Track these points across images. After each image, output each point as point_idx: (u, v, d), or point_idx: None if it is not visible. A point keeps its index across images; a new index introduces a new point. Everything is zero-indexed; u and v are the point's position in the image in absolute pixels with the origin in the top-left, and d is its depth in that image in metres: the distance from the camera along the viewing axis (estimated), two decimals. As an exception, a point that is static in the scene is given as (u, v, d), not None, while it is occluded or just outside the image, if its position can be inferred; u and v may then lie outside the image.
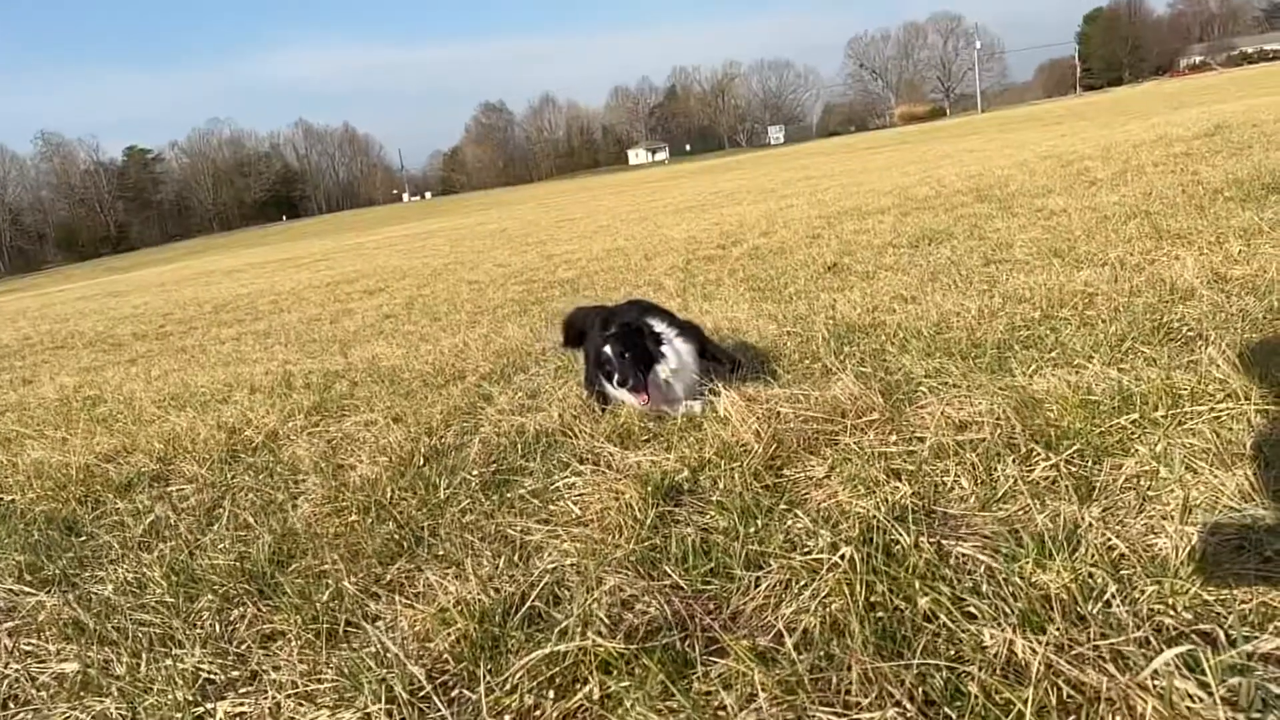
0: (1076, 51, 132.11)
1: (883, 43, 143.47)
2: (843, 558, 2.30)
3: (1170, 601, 1.98)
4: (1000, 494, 2.76)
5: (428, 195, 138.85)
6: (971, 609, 2.08)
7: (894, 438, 3.33)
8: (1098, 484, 2.68)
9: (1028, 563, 2.22)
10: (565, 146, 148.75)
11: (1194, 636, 1.83)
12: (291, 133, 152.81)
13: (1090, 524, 2.38)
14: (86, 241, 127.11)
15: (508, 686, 2.12)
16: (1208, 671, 1.66)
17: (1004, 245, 7.76)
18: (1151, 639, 1.84)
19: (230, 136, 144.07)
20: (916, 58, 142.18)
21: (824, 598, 2.23)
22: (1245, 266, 5.14)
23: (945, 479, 2.92)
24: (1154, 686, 1.67)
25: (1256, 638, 1.80)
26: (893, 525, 2.48)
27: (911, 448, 3.20)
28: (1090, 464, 2.83)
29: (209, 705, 2.36)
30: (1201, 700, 1.63)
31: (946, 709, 1.78)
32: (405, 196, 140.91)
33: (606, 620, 2.23)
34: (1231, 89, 39.49)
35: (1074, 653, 1.82)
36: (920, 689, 1.84)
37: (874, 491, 2.88)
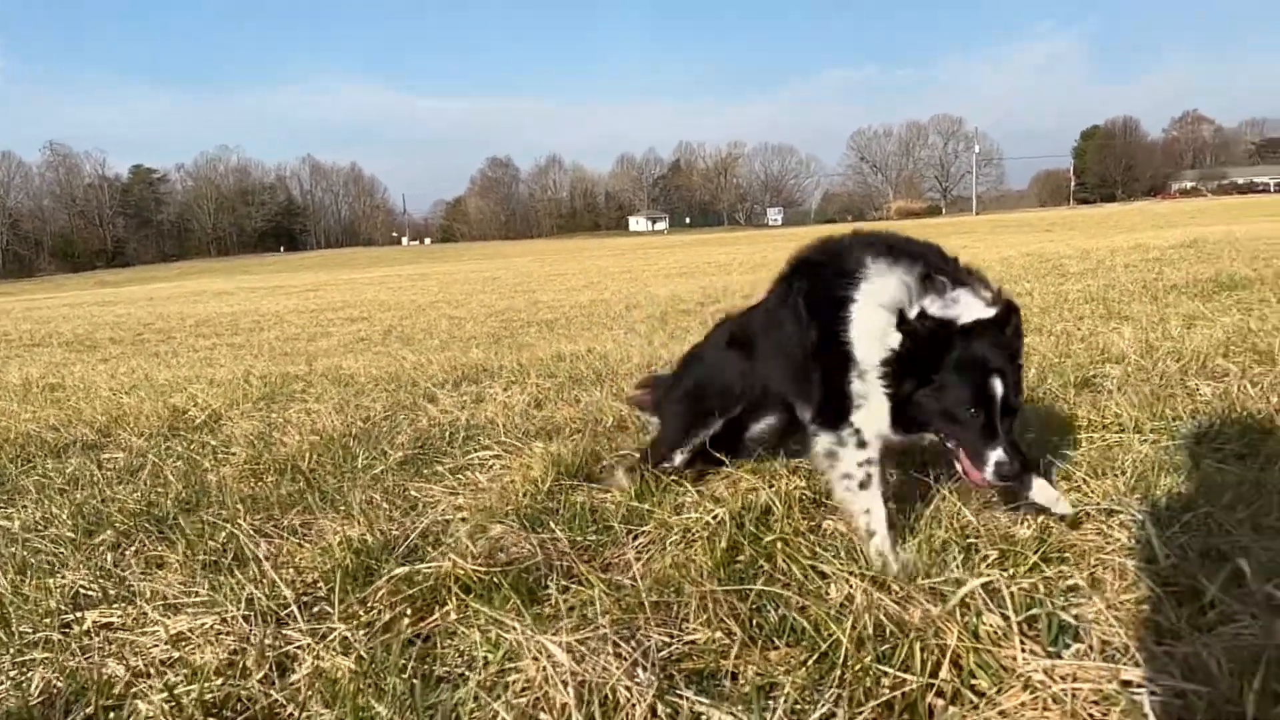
0: (1072, 165, 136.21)
1: (885, 138, 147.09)
2: (714, 518, 2.37)
3: (1011, 571, 2.05)
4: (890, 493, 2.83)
5: (427, 241, 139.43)
6: (825, 569, 2.13)
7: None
8: (975, 492, 2.76)
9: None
10: (568, 207, 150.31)
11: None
12: (298, 166, 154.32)
13: (952, 507, 2.46)
14: (82, 253, 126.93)
15: (369, 604, 2.16)
16: (1007, 602, 1.72)
17: (963, 314, 7.95)
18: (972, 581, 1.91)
19: (237, 164, 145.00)
20: (916, 155, 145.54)
21: (690, 551, 2.29)
22: (1177, 341, 5.31)
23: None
24: (962, 619, 1.74)
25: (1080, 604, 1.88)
26: (771, 497, 2.56)
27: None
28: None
29: (78, 614, 2.37)
30: (1002, 630, 1.69)
31: (775, 638, 1.83)
32: (404, 240, 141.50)
33: (475, 553, 2.27)
34: (1220, 214, 40.60)
35: (899, 594, 1.88)
36: (755, 620, 1.90)
37: (774, 483, 2.94)
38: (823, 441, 2.50)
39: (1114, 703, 1.49)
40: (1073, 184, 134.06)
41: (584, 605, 2.03)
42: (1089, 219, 53.41)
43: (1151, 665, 1.57)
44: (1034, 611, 1.77)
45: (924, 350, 2.24)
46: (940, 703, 1.61)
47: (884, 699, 1.60)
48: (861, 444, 2.43)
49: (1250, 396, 3.64)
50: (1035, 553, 2.09)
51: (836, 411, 2.46)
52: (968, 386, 2.24)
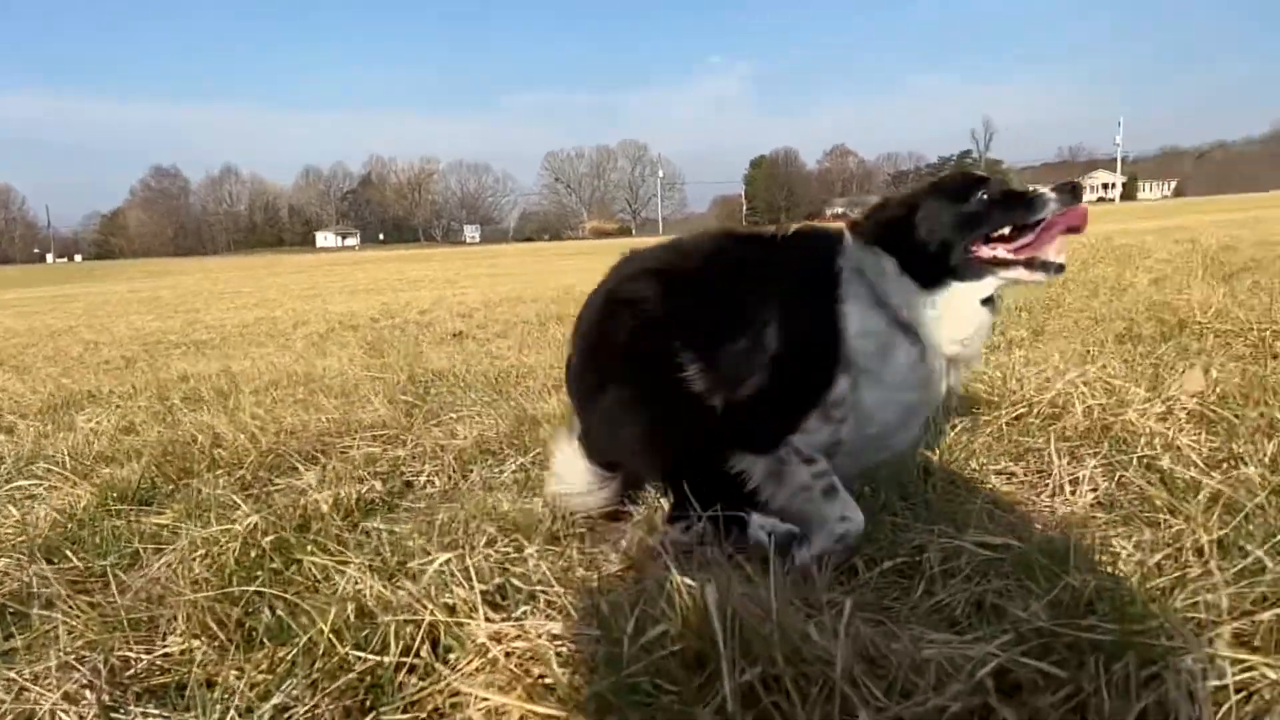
0: (744, 191, 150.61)
1: (578, 160, 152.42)
2: (245, 527, 2.30)
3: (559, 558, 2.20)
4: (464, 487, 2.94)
5: (78, 258, 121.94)
6: (348, 569, 2.13)
7: (403, 451, 3.43)
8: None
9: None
10: (247, 221, 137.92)
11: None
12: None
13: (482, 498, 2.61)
14: None
15: None
16: (471, 576, 1.86)
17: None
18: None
19: None
20: (607, 178, 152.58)
21: (214, 564, 2.21)
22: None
23: (421, 479, 3.07)
24: (436, 596, 1.84)
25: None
26: (319, 500, 2.54)
27: (411, 452, 3.33)
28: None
29: None
30: (470, 601, 1.82)
31: (265, 640, 1.82)
32: (50, 257, 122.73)
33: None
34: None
35: (394, 580, 1.96)
36: (248, 623, 1.87)
37: (349, 486, 2.91)
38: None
39: (544, 656, 1.64)
40: (745, 208, 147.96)
41: (51, 633, 1.88)
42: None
43: (574, 617, 1.76)
44: (499, 581, 1.92)
45: (900, 215, 2.05)
46: (413, 679, 1.68)
47: (346, 683, 1.65)
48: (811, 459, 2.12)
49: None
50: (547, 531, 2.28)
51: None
52: (956, 186, 2.05)
